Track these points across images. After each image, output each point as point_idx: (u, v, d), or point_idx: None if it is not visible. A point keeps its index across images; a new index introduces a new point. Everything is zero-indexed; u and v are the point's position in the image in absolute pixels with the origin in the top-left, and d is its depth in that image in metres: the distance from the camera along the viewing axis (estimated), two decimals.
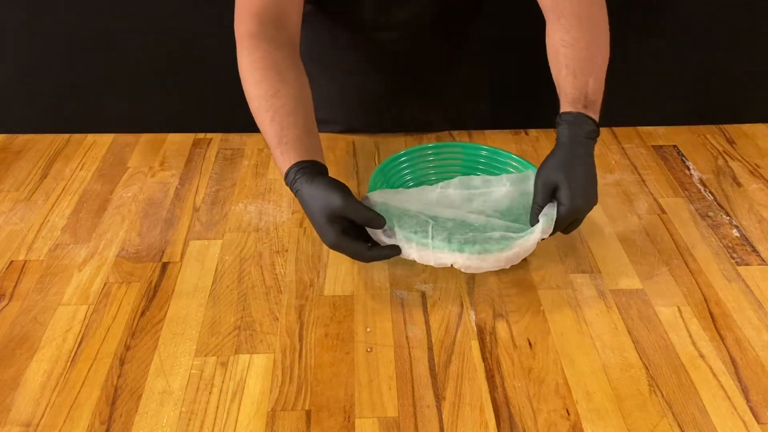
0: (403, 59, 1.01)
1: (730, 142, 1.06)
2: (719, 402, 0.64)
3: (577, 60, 0.79)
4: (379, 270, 0.79)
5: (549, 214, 0.74)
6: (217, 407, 0.63)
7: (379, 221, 0.71)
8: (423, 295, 0.76)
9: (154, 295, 0.76)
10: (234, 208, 0.89)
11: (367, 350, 0.69)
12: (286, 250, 0.82)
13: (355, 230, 0.72)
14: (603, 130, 1.08)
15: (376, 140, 1.04)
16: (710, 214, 0.90)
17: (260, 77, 0.77)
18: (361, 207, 0.71)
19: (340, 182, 0.73)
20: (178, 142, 1.04)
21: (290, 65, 0.80)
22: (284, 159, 0.74)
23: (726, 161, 1.01)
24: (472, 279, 0.78)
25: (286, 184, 0.74)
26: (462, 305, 0.75)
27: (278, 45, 0.80)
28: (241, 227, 0.86)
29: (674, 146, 1.05)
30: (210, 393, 0.65)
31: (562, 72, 0.79)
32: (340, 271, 0.79)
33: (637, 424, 0.62)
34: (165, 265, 0.80)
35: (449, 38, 1.02)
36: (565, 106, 0.79)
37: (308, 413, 0.63)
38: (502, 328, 0.72)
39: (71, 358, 0.68)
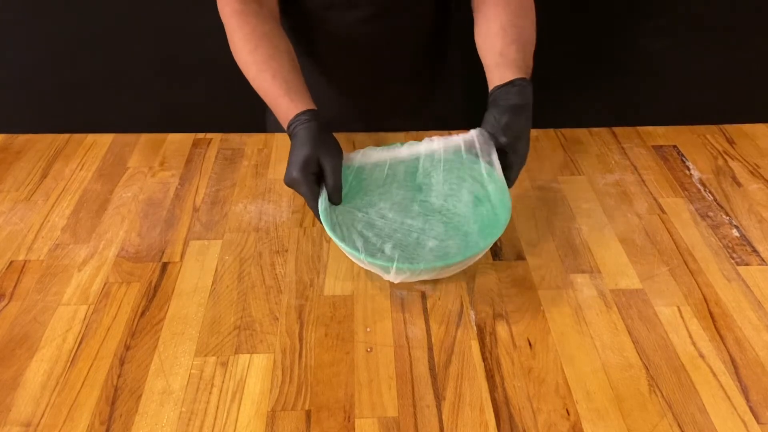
0: (377, 41, 0.99)
1: (730, 142, 1.06)
2: (719, 402, 0.65)
3: (524, 41, 0.84)
4: None
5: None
6: (217, 407, 0.63)
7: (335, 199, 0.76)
8: (423, 294, 0.76)
9: (154, 295, 0.76)
10: (234, 208, 0.89)
11: (367, 350, 0.69)
12: (286, 250, 0.82)
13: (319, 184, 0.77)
14: (603, 130, 1.09)
15: (377, 139, 1.04)
16: (710, 214, 0.90)
17: (254, 46, 0.84)
18: (335, 176, 0.76)
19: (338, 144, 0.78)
20: (177, 142, 1.04)
21: (279, 36, 0.86)
22: (294, 105, 0.79)
23: (726, 161, 1.01)
24: (472, 279, 0.78)
25: (290, 125, 0.79)
26: (462, 305, 0.75)
27: (264, 19, 0.86)
28: (241, 227, 0.86)
29: (674, 146, 1.05)
30: (210, 393, 0.65)
31: (511, 47, 0.83)
32: (340, 271, 0.79)
33: (637, 424, 0.62)
34: (165, 265, 0.80)
35: (424, 20, 1.01)
36: (518, 73, 0.80)
37: (308, 413, 0.63)
38: (502, 328, 0.72)
39: (71, 358, 0.68)
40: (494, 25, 0.85)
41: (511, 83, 0.79)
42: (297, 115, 0.78)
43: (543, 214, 0.89)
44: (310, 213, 0.88)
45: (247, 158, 1.00)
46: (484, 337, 0.71)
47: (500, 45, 0.83)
